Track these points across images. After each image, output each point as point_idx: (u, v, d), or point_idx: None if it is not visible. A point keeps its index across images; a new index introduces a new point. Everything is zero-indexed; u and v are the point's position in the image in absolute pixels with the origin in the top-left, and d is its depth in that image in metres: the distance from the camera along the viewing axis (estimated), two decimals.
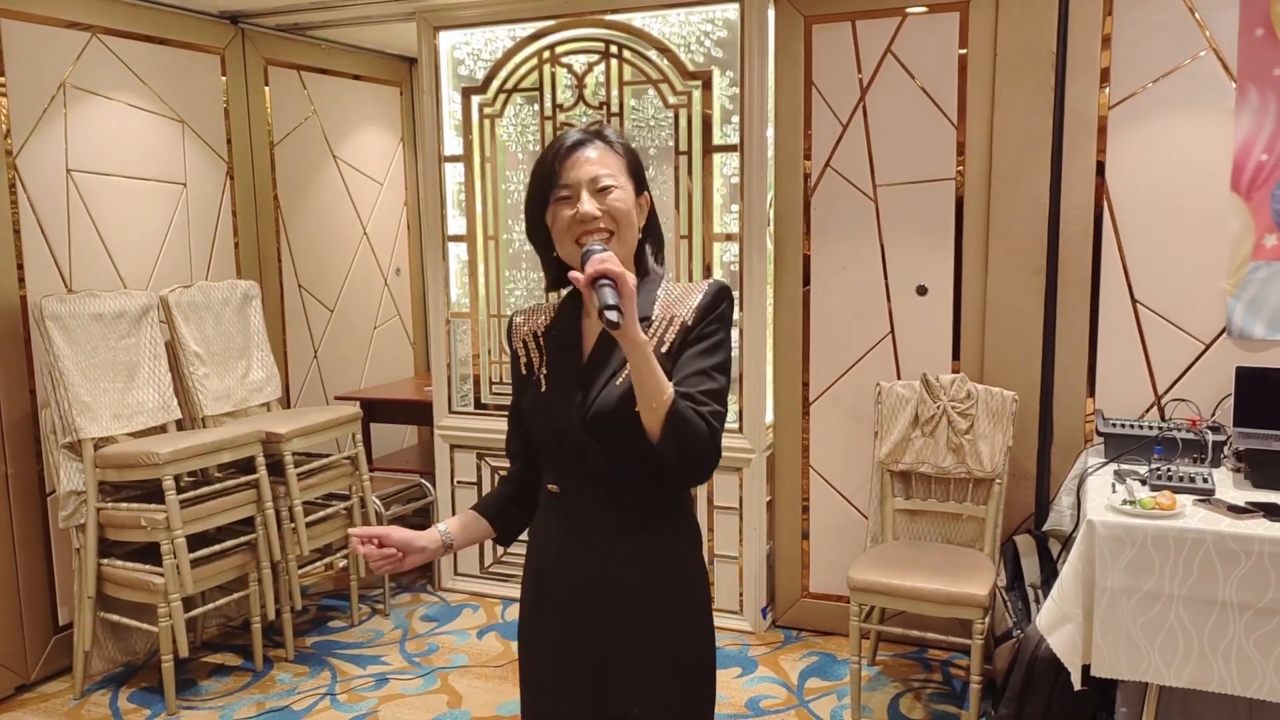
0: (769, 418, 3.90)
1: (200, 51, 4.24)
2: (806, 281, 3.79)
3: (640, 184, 1.69)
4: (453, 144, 4.27)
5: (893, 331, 3.69)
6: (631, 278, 1.48)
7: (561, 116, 4.06)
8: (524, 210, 1.70)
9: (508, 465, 1.83)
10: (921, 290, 3.63)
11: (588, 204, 1.60)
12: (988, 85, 3.45)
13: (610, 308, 1.45)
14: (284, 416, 3.92)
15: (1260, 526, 2.44)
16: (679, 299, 1.68)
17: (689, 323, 1.64)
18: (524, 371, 1.73)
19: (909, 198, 3.61)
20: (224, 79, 4.35)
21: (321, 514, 3.88)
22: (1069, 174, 3.36)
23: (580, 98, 4.02)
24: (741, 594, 3.96)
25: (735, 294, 3.86)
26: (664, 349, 1.62)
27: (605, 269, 1.46)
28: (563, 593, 1.68)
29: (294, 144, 4.77)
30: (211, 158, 4.31)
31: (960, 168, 3.52)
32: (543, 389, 1.67)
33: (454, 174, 4.29)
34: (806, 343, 3.83)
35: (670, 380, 1.54)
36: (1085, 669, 2.59)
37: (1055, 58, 3.32)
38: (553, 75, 4.05)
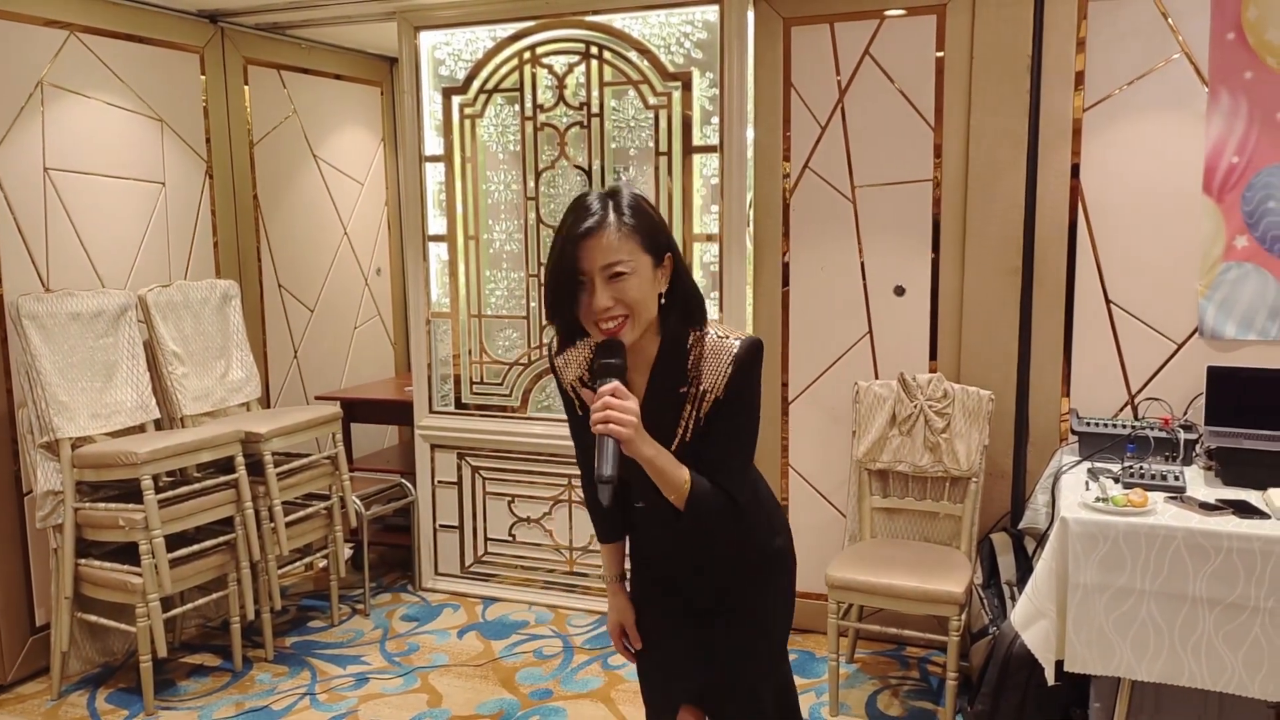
0: None
1: (179, 50, 4.23)
2: (786, 282, 3.82)
3: (659, 250, 1.74)
4: (433, 144, 4.27)
5: (871, 331, 3.72)
6: (633, 401, 1.67)
7: (542, 117, 4.07)
8: (544, 282, 1.77)
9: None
10: (899, 290, 3.66)
11: (600, 296, 1.67)
12: (964, 87, 3.48)
13: (599, 475, 1.64)
14: (263, 416, 3.91)
15: (1229, 523, 2.48)
16: (711, 363, 1.78)
17: (720, 397, 1.78)
18: (580, 414, 1.89)
19: (887, 199, 3.64)
20: (203, 78, 4.34)
21: (301, 514, 3.87)
22: (1044, 176, 3.39)
23: (561, 98, 4.03)
24: None
25: (715, 294, 3.88)
26: (700, 424, 1.80)
27: (605, 429, 1.64)
28: (664, 573, 2.01)
29: (274, 143, 4.76)
30: (191, 157, 4.30)
31: (937, 169, 3.56)
32: None
33: (435, 174, 4.29)
34: (785, 343, 3.85)
35: (704, 443, 1.80)
36: (1059, 664, 2.62)
37: (1031, 61, 3.36)
38: (533, 76, 4.06)
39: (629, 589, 2.10)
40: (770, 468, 3.91)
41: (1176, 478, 2.80)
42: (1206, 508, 2.58)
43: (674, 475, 1.74)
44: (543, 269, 1.86)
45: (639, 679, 2.14)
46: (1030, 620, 2.65)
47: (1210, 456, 2.93)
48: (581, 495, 4.15)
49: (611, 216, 1.68)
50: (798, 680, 3.51)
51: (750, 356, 1.78)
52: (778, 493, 3.90)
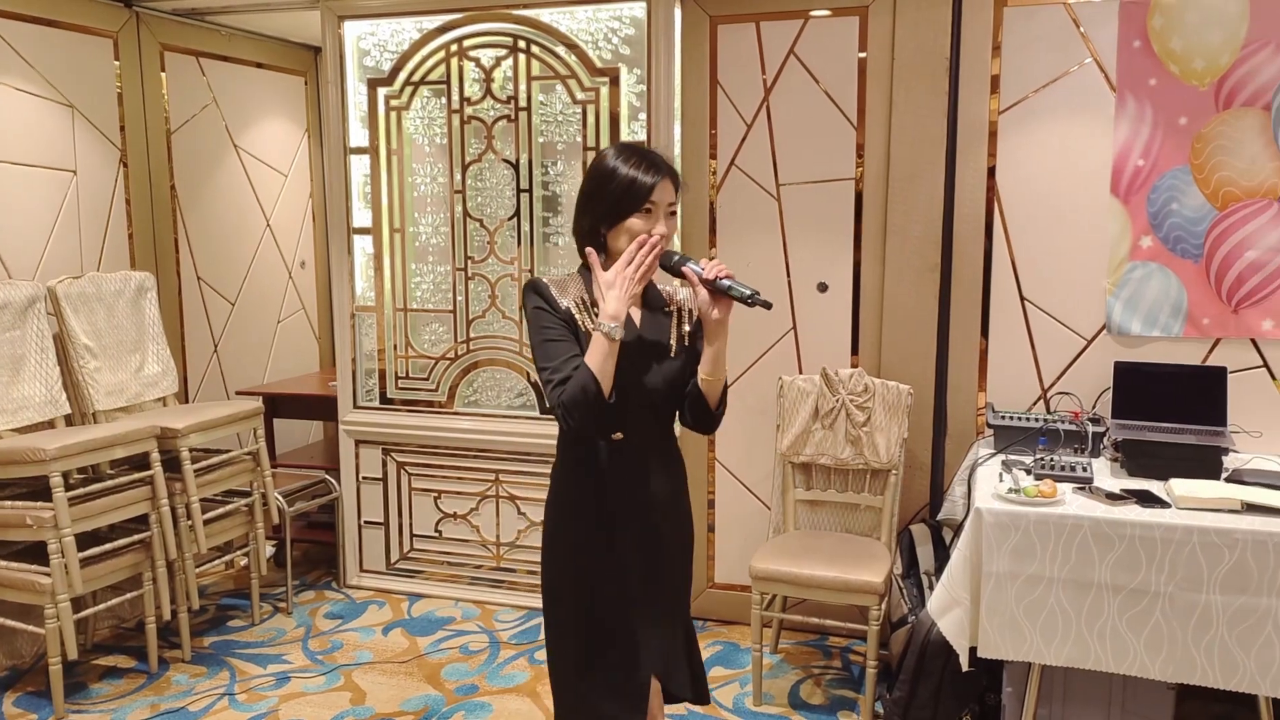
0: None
1: (92, 35, 4.10)
2: None
3: None
4: (358, 136, 4.21)
5: (795, 327, 3.78)
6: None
7: (469, 110, 4.04)
8: (601, 197, 2.02)
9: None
10: (822, 287, 3.72)
11: (665, 224, 2.03)
12: (886, 88, 3.55)
13: (754, 294, 1.97)
14: (181, 411, 3.82)
15: (1132, 512, 2.58)
16: (677, 291, 2.18)
17: (696, 313, 2.13)
18: (583, 328, 2.05)
19: (810, 197, 3.70)
20: (117, 64, 4.22)
21: (221, 511, 3.79)
22: (962, 176, 3.48)
23: (488, 91, 4.01)
24: None
25: None
26: (684, 340, 2.14)
27: (730, 272, 2.00)
28: (629, 509, 2.12)
29: (192, 132, 4.65)
30: (104, 145, 4.17)
31: (860, 168, 3.62)
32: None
33: (360, 166, 4.24)
34: None
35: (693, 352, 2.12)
36: (973, 651, 2.70)
37: (949, 64, 3.44)
38: (460, 68, 4.03)
39: (574, 546, 2.16)
40: (696, 462, 3.95)
41: (1085, 469, 2.90)
42: (1112, 497, 2.68)
43: (724, 361, 2.07)
44: (590, 184, 2.07)
45: (587, 696, 2.16)
46: (946, 608, 2.73)
47: (1116, 448, 3.04)
48: (503, 492, 4.14)
49: (670, 170, 2.04)
50: (722, 671, 3.57)
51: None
52: (704, 487, 3.95)
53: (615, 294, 1.94)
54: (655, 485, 2.15)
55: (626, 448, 2.09)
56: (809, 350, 3.77)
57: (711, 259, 2.05)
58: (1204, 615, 2.50)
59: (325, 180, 4.35)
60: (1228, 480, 2.80)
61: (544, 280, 2.10)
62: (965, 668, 2.72)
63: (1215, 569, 2.48)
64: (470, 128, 4.06)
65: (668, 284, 2.22)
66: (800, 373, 3.76)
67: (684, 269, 2.03)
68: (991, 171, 3.46)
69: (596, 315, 2.01)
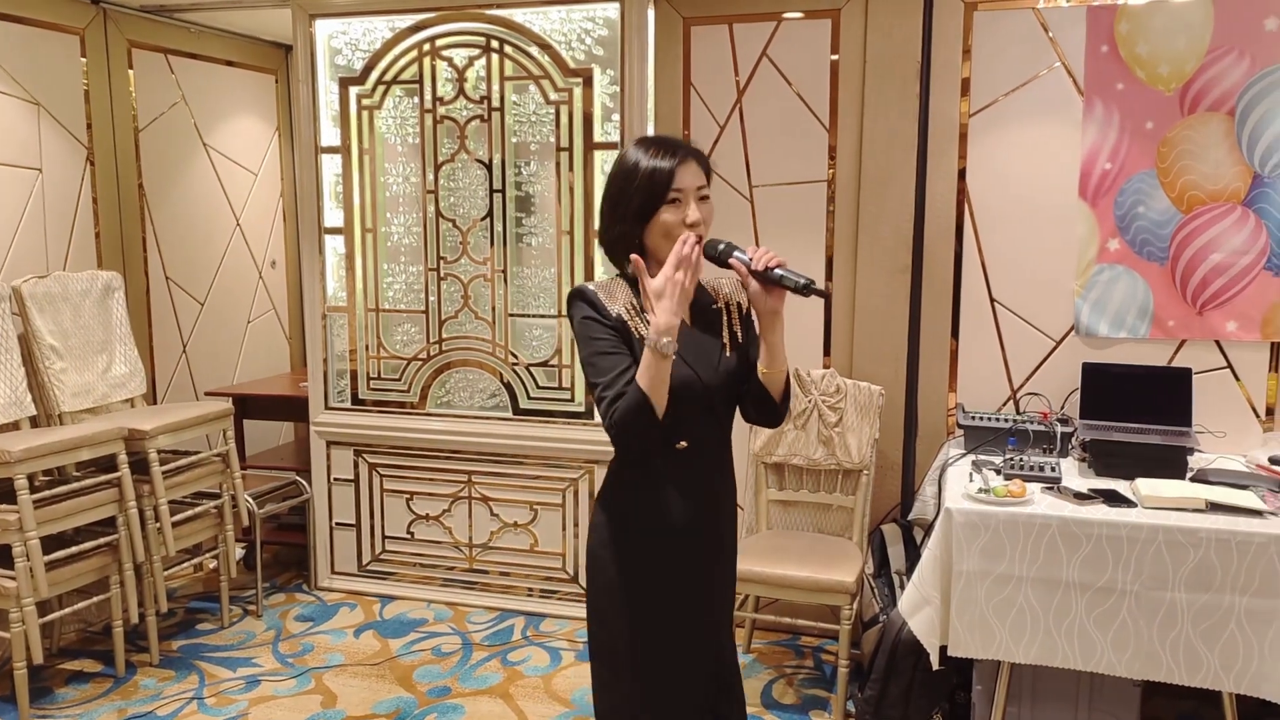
0: None
1: (58, 31, 4.05)
2: None
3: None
4: (330, 135, 4.19)
5: None
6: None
7: (442, 109, 4.03)
8: (625, 195, 1.91)
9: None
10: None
11: (697, 210, 1.90)
12: (858, 91, 3.58)
13: (809, 282, 1.83)
14: (148, 413, 3.78)
15: (1099, 512, 2.61)
16: (723, 281, 2.07)
17: (745, 307, 2.06)
18: (637, 334, 1.93)
19: (783, 198, 3.71)
20: (84, 61, 4.17)
21: (189, 513, 3.75)
22: (933, 178, 3.51)
23: (461, 91, 4.00)
24: None
25: None
26: (737, 336, 2.03)
27: (782, 259, 1.88)
28: (684, 518, 1.98)
29: (160, 130, 4.60)
30: (70, 143, 4.12)
31: (832, 170, 3.64)
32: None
33: (331, 165, 4.21)
34: None
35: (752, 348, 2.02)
36: (943, 649, 2.72)
37: (920, 66, 3.47)
38: (433, 68, 4.01)
39: (636, 562, 1.99)
40: None
41: (1053, 469, 2.93)
42: (1080, 497, 2.71)
43: (783, 351, 1.96)
44: (614, 187, 1.95)
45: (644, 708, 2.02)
46: (916, 607, 2.75)
47: (1084, 448, 3.08)
48: (471, 493, 4.12)
49: (695, 154, 1.93)
50: None
51: None
52: None
53: (666, 304, 1.79)
54: (718, 491, 2.05)
55: (688, 455, 1.97)
56: None
57: (758, 246, 1.91)
58: (1169, 613, 2.54)
59: (296, 179, 4.31)
60: (1192, 480, 2.84)
61: (590, 287, 1.98)
62: (936, 666, 2.74)
63: (1180, 567, 2.52)
64: (443, 127, 4.04)
65: (710, 276, 2.06)
66: None
67: (731, 259, 1.90)
68: (962, 174, 3.49)
69: (648, 324, 1.87)
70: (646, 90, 3.78)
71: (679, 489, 1.97)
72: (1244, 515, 2.56)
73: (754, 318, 2.00)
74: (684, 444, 1.95)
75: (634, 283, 1.97)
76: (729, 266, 1.91)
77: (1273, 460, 3.01)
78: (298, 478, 4.42)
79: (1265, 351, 3.27)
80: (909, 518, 3.53)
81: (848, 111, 3.60)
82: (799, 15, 3.61)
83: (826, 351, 3.73)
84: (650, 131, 3.80)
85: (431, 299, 4.15)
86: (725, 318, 2.04)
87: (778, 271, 1.85)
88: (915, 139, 3.50)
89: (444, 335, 4.16)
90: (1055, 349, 3.45)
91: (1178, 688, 2.59)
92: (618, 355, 1.89)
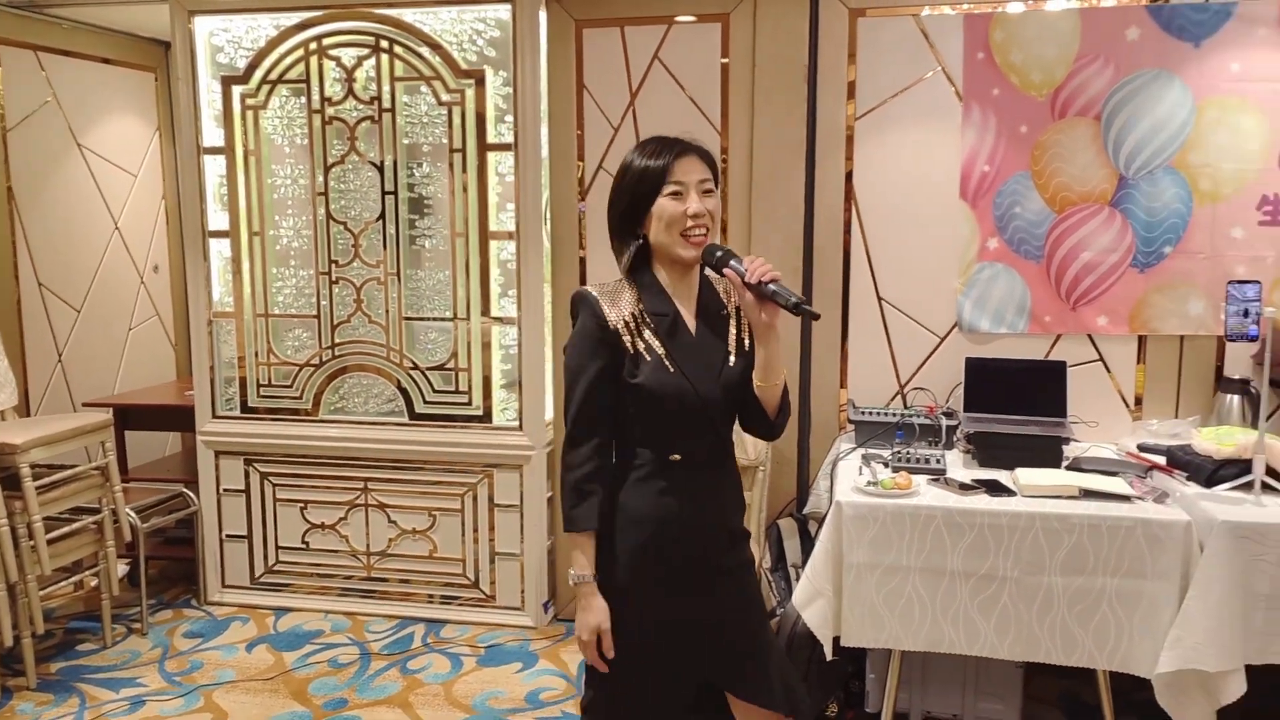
0: (549, 414, 3.95)
1: None
2: (583, 281, 3.86)
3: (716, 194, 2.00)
4: (213, 135, 4.06)
5: None
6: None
7: (331, 110, 3.94)
8: (619, 195, 1.95)
9: (591, 450, 1.94)
10: None
11: (697, 203, 1.89)
12: (748, 94, 3.63)
13: (801, 302, 1.84)
14: (20, 425, 3.60)
15: (982, 501, 2.71)
16: (734, 288, 1.96)
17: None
18: (632, 350, 1.93)
19: None
20: None
21: (66, 530, 3.59)
22: (821, 180, 3.59)
23: (350, 92, 3.92)
24: (523, 590, 3.98)
25: (513, 292, 3.88)
26: (742, 343, 2.00)
27: (776, 274, 1.87)
28: (686, 537, 1.97)
29: (30, 130, 4.39)
30: None
31: (724, 172, 3.69)
32: (669, 367, 1.92)
33: (215, 167, 4.08)
34: None
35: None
36: (836, 640, 2.79)
37: (808, 71, 3.54)
38: (320, 67, 3.93)
39: (617, 583, 1.97)
40: (556, 471, 3.94)
41: (938, 461, 3.02)
42: (964, 488, 2.81)
43: (781, 362, 1.97)
44: (617, 183, 1.99)
45: (612, 694, 2.02)
46: (810, 600, 2.80)
47: (968, 440, 3.19)
48: (372, 499, 4.05)
49: (697, 148, 1.94)
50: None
51: None
52: None
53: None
54: (714, 505, 2.02)
55: (682, 467, 1.96)
56: None
57: (752, 256, 1.92)
58: (1046, 597, 2.65)
59: (179, 181, 4.17)
60: (1068, 468, 2.97)
61: (594, 292, 1.96)
62: (830, 657, 2.80)
63: (1056, 552, 2.63)
64: (332, 128, 3.96)
65: (726, 282, 2.04)
66: None
67: (727, 268, 1.90)
68: (849, 176, 3.58)
69: (652, 327, 1.93)
70: (539, 92, 3.77)
71: (675, 500, 1.96)
72: (1114, 501, 2.69)
73: None
74: (677, 457, 1.95)
75: (642, 285, 1.97)
76: (722, 274, 1.93)
77: (1141, 447, 3.17)
78: (185, 490, 4.27)
79: (1133, 345, 3.44)
80: (804, 511, 3.60)
81: (738, 114, 3.65)
82: (690, 19, 3.65)
83: None
84: (544, 134, 3.79)
85: (323, 303, 4.06)
86: (734, 323, 2.02)
87: (770, 287, 1.86)
88: (804, 142, 3.57)
89: (337, 340, 4.07)
90: (940, 345, 3.56)
91: (1057, 668, 2.71)
92: (590, 404, 1.93)
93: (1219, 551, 2.51)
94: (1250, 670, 2.52)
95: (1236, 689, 2.51)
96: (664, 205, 1.89)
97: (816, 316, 1.89)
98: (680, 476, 1.96)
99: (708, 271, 2.02)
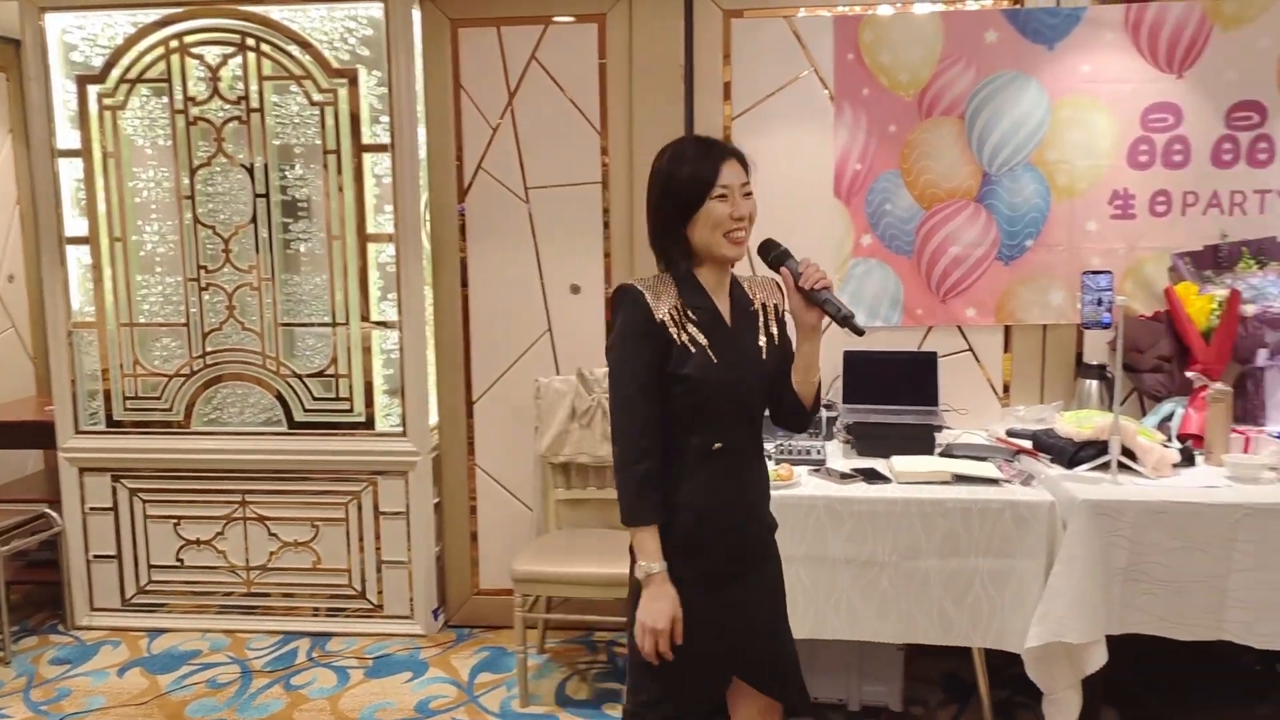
0: (433, 419, 3.89)
1: None
2: (465, 282, 3.82)
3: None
4: (69, 137, 3.86)
5: (550, 329, 3.81)
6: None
7: (195, 110, 3.80)
8: (667, 198, 1.99)
9: (647, 445, 1.96)
10: (575, 289, 3.78)
11: (742, 205, 1.98)
12: (626, 94, 3.65)
13: (850, 315, 1.94)
14: None
15: (859, 489, 2.79)
16: (759, 283, 2.14)
17: (781, 308, 2.12)
18: (678, 341, 1.97)
19: (559, 200, 3.74)
20: None
21: None
22: None
23: (216, 91, 3.78)
24: (412, 598, 3.91)
25: (393, 295, 3.81)
26: (774, 339, 2.08)
27: (828, 280, 1.97)
28: (730, 526, 2.03)
29: None
30: None
31: (605, 172, 3.70)
32: (713, 359, 1.98)
33: (72, 170, 3.89)
34: (468, 342, 3.85)
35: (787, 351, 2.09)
36: None
37: (684, 71, 3.58)
38: (183, 66, 3.78)
39: (678, 549, 1.99)
40: (457, 469, 3.90)
41: (819, 452, 3.10)
42: (843, 477, 2.88)
43: (818, 363, 2.07)
44: (662, 186, 2.01)
45: (666, 689, 2.02)
46: None
47: (847, 431, 3.27)
48: (319, 508, 3.92)
49: (735, 150, 2.01)
50: (489, 676, 3.55)
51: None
52: (465, 493, 3.91)
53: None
54: (752, 494, 2.09)
55: (723, 456, 2.01)
56: (564, 351, 3.81)
57: (806, 260, 2.01)
58: (923, 580, 2.74)
59: (32, 185, 3.95)
60: (941, 455, 3.09)
61: (638, 286, 2.00)
62: None
63: (931, 536, 2.73)
64: (197, 129, 3.81)
65: (747, 274, 2.15)
66: (557, 374, 3.79)
67: (784, 267, 2.00)
68: None
69: (695, 320, 1.98)
70: (415, 92, 3.71)
71: (715, 489, 2.01)
72: (984, 484, 2.80)
73: (787, 321, 2.10)
74: (719, 445, 2.00)
75: (681, 280, 2.02)
76: (778, 273, 2.02)
77: (1010, 433, 3.31)
78: (47, 510, 4.04)
79: (999, 335, 3.59)
80: None
81: (617, 114, 3.67)
82: (567, 19, 3.65)
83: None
84: (421, 135, 3.74)
85: (193, 310, 3.90)
86: (762, 319, 2.10)
87: (823, 294, 1.96)
88: None
89: (209, 348, 3.92)
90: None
91: (937, 649, 2.80)
92: (647, 404, 1.96)
93: (1080, 529, 2.64)
94: (1110, 641, 2.66)
95: (1099, 659, 2.64)
96: (712, 208, 1.97)
97: (861, 332, 2.00)
98: (722, 466, 2.02)
99: (755, 264, 2.12)
